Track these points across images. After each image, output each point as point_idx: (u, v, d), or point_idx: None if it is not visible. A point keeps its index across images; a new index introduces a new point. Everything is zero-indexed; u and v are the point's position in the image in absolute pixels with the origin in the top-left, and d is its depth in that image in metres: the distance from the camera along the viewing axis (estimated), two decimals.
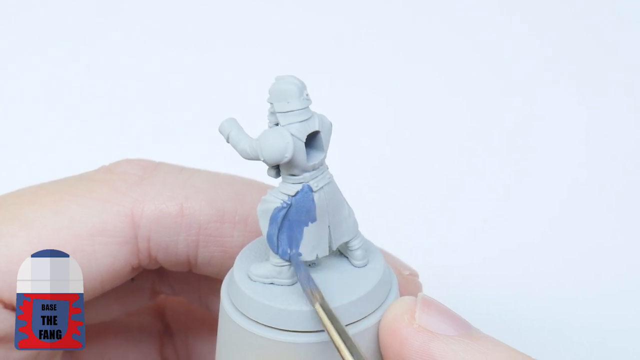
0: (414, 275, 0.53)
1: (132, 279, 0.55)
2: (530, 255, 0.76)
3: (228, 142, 0.42)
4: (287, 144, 0.41)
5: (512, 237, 0.78)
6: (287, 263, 0.43)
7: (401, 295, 0.47)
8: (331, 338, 0.39)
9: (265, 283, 0.43)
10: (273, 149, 0.41)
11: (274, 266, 0.43)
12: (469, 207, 0.81)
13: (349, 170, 0.82)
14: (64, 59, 0.91)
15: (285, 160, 0.41)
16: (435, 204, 0.81)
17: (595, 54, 0.90)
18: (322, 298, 0.40)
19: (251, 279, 0.43)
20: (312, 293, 0.41)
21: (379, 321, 0.42)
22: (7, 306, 0.48)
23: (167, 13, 0.94)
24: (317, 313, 0.40)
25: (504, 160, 0.84)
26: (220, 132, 0.43)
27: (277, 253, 0.43)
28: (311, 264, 0.44)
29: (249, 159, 0.42)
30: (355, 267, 0.44)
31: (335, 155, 0.83)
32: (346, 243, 0.44)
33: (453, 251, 0.76)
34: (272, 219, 0.42)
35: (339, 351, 0.39)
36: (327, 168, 0.43)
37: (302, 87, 0.41)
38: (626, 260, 0.76)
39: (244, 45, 0.91)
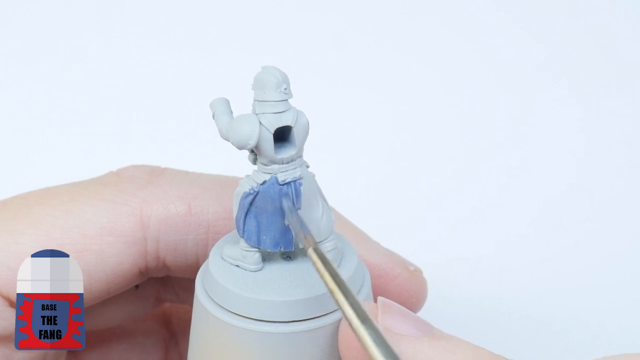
0: (418, 271, 0.53)
1: (137, 287, 0.55)
2: (523, 251, 0.76)
3: (213, 119, 0.43)
4: (252, 131, 0.41)
5: (505, 233, 0.78)
6: (252, 249, 0.44)
7: (408, 291, 0.47)
8: (324, 282, 0.39)
9: (232, 264, 0.44)
10: (238, 134, 0.42)
11: (240, 249, 0.44)
12: (463, 203, 0.81)
13: (346, 167, 0.82)
14: (67, 65, 0.91)
15: (249, 147, 0.42)
16: (431, 200, 0.81)
17: (591, 53, 0.91)
18: (315, 243, 0.40)
19: (222, 258, 0.45)
20: (305, 237, 0.41)
21: (339, 321, 0.43)
22: (13, 304, 0.48)
23: (173, 20, 0.94)
24: (310, 257, 0.40)
25: (497, 157, 0.85)
26: (210, 108, 0.44)
27: (242, 236, 0.43)
28: (286, 258, 0.45)
29: (223, 139, 0.43)
30: None
31: (335, 154, 0.83)
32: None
33: (447, 247, 0.76)
34: (240, 204, 0.43)
35: (332, 295, 0.39)
36: (305, 165, 0.44)
37: (282, 81, 0.42)
38: (619, 257, 0.76)
39: (247, 51, 0.91)
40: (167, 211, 0.49)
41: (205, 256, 0.50)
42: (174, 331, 0.59)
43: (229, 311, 0.43)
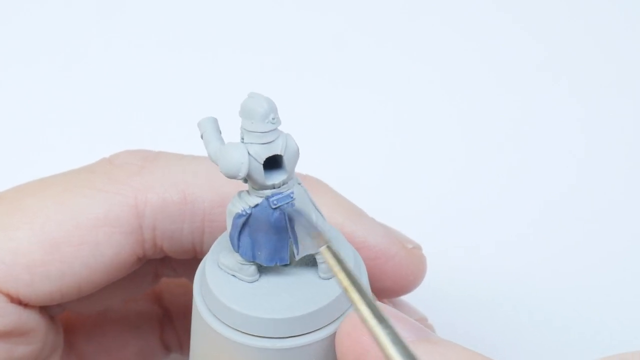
0: (417, 248, 0.53)
1: None
2: (524, 251, 0.76)
3: (201, 138, 0.43)
4: (241, 164, 0.41)
5: (506, 233, 0.78)
6: (248, 263, 0.43)
7: (405, 270, 0.47)
8: (338, 280, 0.39)
9: (228, 274, 0.44)
10: (228, 165, 0.42)
11: (236, 262, 0.44)
12: (462, 204, 0.81)
13: (345, 168, 0.82)
14: (67, 65, 0.91)
15: (239, 178, 0.42)
16: (431, 201, 0.81)
17: (591, 53, 0.91)
18: (328, 241, 0.40)
19: (219, 267, 0.44)
20: (316, 235, 0.41)
21: (335, 332, 0.43)
22: (14, 300, 0.48)
23: (166, 11, 0.94)
24: (322, 255, 0.40)
25: (497, 157, 0.85)
26: (198, 128, 0.43)
27: (237, 252, 0.43)
28: (283, 265, 0.45)
29: (213, 162, 0.43)
30: (321, 279, 0.44)
31: (334, 154, 0.83)
32: (314, 255, 0.44)
33: (447, 247, 0.76)
34: (234, 223, 0.43)
35: (346, 293, 0.38)
36: (298, 183, 0.43)
37: (269, 111, 0.41)
38: (620, 257, 0.76)
39: (247, 51, 0.91)
40: (162, 200, 0.49)
41: (201, 244, 0.50)
42: (166, 307, 0.59)
43: (226, 325, 0.43)
